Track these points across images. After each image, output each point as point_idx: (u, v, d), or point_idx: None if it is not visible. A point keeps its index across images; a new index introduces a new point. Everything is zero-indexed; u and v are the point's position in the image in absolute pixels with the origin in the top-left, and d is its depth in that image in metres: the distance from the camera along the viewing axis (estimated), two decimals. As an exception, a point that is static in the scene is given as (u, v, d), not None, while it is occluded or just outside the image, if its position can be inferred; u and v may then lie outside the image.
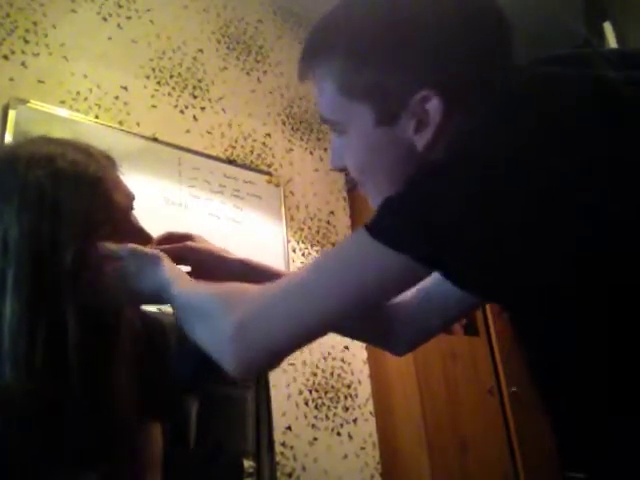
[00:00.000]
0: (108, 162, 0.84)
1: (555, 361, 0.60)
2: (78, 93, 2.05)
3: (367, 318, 0.90)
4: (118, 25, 2.27)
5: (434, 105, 0.59)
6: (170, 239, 0.93)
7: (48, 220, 0.73)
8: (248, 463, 1.06)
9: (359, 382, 2.42)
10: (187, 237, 0.94)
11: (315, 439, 2.18)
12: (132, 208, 0.85)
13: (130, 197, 0.85)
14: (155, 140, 2.18)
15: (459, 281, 0.56)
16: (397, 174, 0.64)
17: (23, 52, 1.98)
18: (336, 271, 0.60)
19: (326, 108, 0.67)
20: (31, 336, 0.71)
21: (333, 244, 2.61)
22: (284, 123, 2.69)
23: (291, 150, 2.66)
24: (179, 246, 0.91)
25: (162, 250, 0.90)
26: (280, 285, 0.64)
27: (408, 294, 0.88)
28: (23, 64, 1.96)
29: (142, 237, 0.85)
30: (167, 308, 0.77)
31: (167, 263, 0.77)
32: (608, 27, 2.36)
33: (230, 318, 0.62)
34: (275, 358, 0.65)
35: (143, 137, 2.15)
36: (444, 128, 0.60)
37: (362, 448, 2.31)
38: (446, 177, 0.53)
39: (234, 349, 0.62)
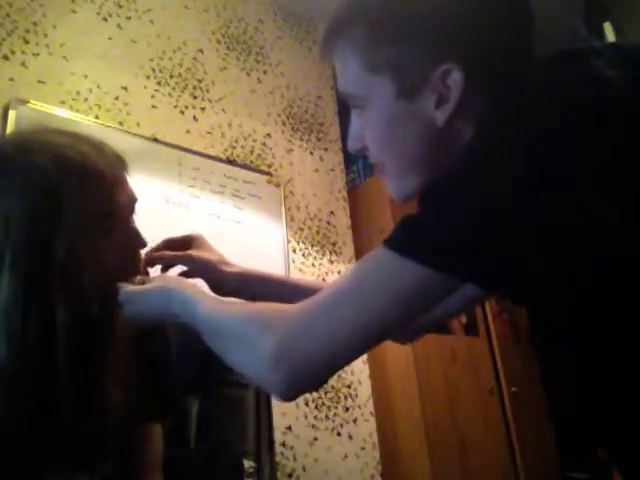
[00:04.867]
0: (118, 161, 0.84)
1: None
2: (78, 93, 2.05)
3: None
4: (118, 25, 2.27)
5: (455, 79, 0.59)
6: (169, 246, 0.92)
7: (48, 203, 0.74)
8: (248, 463, 1.06)
9: (359, 382, 2.42)
10: (187, 240, 0.94)
11: (315, 439, 2.18)
12: (134, 211, 0.85)
13: (133, 200, 0.85)
14: (155, 140, 2.18)
15: (485, 285, 0.56)
16: (416, 154, 0.64)
17: (23, 52, 1.98)
18: (372, 288, 0.57)
19: (348, 83, 0.67)
20: (25, 313, 0.71)
21: (333, 244, 2.61)
22: (284, 123, 2.69)
23: (291, 150, 2.66)
24: (175, 257, 0.90)
25: (158, 255, 0.90)
26: (316, 302, 0.60)
27: None
28: (23, 64, 1.96)
29: (138, 241, 0.85)
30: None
31: (191, 287, 0.75)
32: (608, 27, 2.36)
33: (268, 343, 0.58)
34: (321, 378, 0.61)
35: (143, 137, 2.15)
36: (464, 104, 0.60)
37: (362, 448, 2.31)
38: (464, 185, 0.54)
39: (279, 377, 0.58)
